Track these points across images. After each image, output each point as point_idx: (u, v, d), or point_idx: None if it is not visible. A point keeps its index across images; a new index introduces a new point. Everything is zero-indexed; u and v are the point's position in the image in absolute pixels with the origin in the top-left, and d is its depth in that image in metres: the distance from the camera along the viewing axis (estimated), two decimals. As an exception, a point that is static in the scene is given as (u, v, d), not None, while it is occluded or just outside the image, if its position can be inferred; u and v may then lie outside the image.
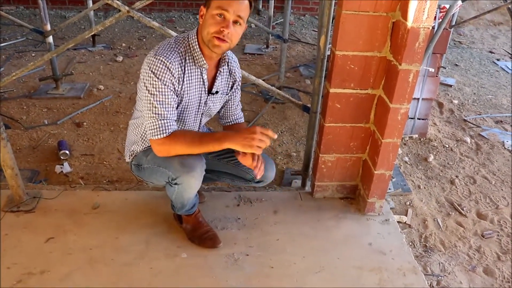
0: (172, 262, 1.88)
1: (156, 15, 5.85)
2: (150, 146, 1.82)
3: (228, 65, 1.85)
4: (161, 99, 1.62)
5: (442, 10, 2.83)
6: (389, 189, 2.59)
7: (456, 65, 4.88)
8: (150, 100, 1.62)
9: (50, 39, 3.28)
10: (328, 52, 2.04)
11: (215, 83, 1.82)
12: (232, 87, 1.93)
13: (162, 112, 1.62)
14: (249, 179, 1.98)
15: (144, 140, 1.84)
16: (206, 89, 1.80)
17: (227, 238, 2.01)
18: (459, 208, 2.56)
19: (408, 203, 2.56)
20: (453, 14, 2.97)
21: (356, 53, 1.92)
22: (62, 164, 2.67)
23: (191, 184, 1.70)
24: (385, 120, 1.94)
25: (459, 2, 2.81)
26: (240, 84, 1.97)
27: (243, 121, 2.07)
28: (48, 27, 3.23)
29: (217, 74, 1.81)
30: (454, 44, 5.57)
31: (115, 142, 2.97)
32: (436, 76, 3.08)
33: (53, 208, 2.12)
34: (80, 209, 2.12)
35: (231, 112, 2.01)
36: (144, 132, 1.81)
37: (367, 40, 1.89)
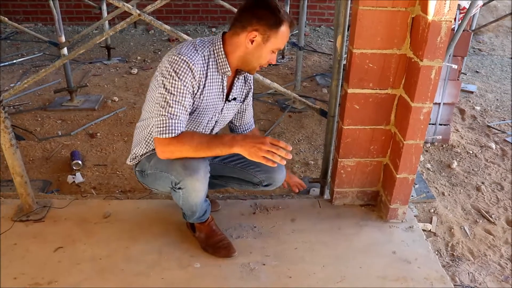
0: (185, 272, 1.79)
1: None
2: (153, 150, 1.76)
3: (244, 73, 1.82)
4: (178, 99, 1.55)
5: (462, 11, 2.74)
6: (412, 195, 2.47)
7: (477, 72, 4.74)
8: (166, 98, 1.55)
9: (65, 50, 3.28)
10: (345, 55, 1.97)
11: (232, 90, 1.78)
12: (247, 96, 1.89)
13: (175, 112, 1.55)
14: (256, 183, 1.91)
15: (147, 142, 1.77)
16: (224, 96, 1.75)
17: (242, 247, 1.91)
18: (487, 215, 2.42)
19: (432, 210, 2.43)
20: (473, 17, 2.87)
21: (374, 51, 1.83)
22: (75, 175, 2.62)
23: (195, 188, 1.62)
24: (407, 120, 1.85)
25: (480, 2, 2.71)
26: (252, 92, 1.95)
27: (254, 127, 2.05)
28: (63, 39, 3.23)
29: (235, 81, 1.77)
30: (474, 51, 5.45)
31: (129, 152, 2.91)
32: (458, 79, 2.96)
33: (63, 217, 2.06)
34: (91, 218, 2.06)
35: (246, 120, 1.99)
36: (149, 134, 1.75)
37: (386, 37, 1.80)
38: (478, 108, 3.81)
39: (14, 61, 4.37)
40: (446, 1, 1.60)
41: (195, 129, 1.75)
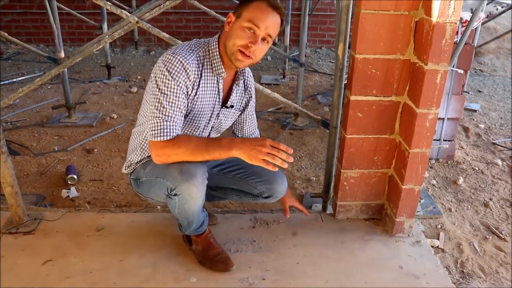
0: (180, 286, 1.69)
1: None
2: (148, 157, 1.69)
3: (244, 80, 1.75)
4: (171, 100, 1.49)
5: (464, 24, 2.71)
6: (418, 211, 2.38)
7: (479, 91, 4.71)
8: (159, 99, 1.48)
9: (64, 66, 3.26)
10: (346, 64, 1.92)
11: (231, 97, 1.71)
12: (247, 105, 1.82)
13: (170, 114, 1.49)
14: (256, 194, 1.82)
15: (142, 149, 1.70)
16: (221, 100, 1.68)
17: (241, 261, 1.82)
18: (497, 231, 2.32)
19: (439, 226, 2.34)
20: (475, 31, 2.85)
21: (377, 56, 1.79)
22: (69, 189, 2.55)
23: (192, 194, 1.53)
24: (412, 127, 1.78)
25: (482, 15, 2.70)
26: (254, 101, 1.87)
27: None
28: (62, 55, 3.22)
29: (233, 87, 1.70)
30: (475, 72, 5.44)
31: (126, 167, 2.85)
32: (462, 94, 2.91)
33: (54, 230, 1.97)
34: (83, 231, 1.97)
35: (247, 131, 1.90)
36: (144, 140, 1.68)
37: (389, 41, 1.76)
38: (482, 126, 3.75)
39: (14, 79, 4.36)
40: (450, 2, 1.56)
41: (191, 134, 1.68)
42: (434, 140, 3.01)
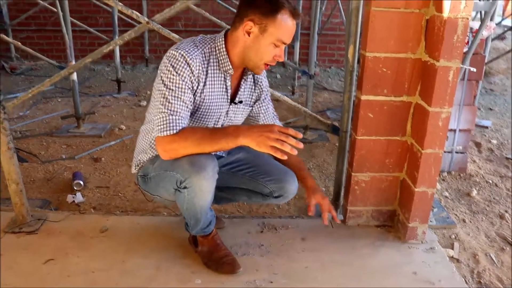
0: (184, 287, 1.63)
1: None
2: (157, 154, 1.66)
3: (254, 74, 1.73)
4: (177, 95, 1.47)
5: (474, 33, 2.69)
6: (430, 221, 2.30)
7: (491, 109, 4.66)
8: (165, 94, 1.47)
9: (74, 76, 3.29)
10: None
11: (239, 92, 1.68)
12: (257, 100, 1.78)
13: (175, 108, 1.47)
14: (267, 194, 1.77)
15: (152, 147, 1.67)
16: (229, 97, 1.66)
17: (248, 264, 1.76)
18: (514, 243, 2.23)
19: (453, 236, 2.25)
20: (486, 41, 2.82)
21: (387, 54, 1.76)
22: (75, 194, 2.52)
23: (202, 187, 1.49)
24: (425, 127, 1.74)
25: (492, 24, 2.68)
26: (269, 94, 1.83)
27: None
28: (73, 63, 3.24)
29: (241, 82, 1.68)
30: (486, 91, 5.40)
31: (133, 176, 2.81)
32: (473, 105, 2.87)
33: (57, 230, 1.93)
34: (87, 232, 1.93)
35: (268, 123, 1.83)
36: (153, 139, 1.65)
37: (399, 40, 1.74)
38: (494, 141, 3.68)
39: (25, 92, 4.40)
40: (462, -3, 1.55)
41: None
42: (445, 152, 2.96)
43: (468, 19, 1.59)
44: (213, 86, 1.58)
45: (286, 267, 1.76)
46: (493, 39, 4.35)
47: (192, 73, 1.49)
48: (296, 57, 4.48)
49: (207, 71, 1.55)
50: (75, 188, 2.58)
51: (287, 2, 1.48)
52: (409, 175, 1.91)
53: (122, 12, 4.05)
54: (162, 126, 1.46)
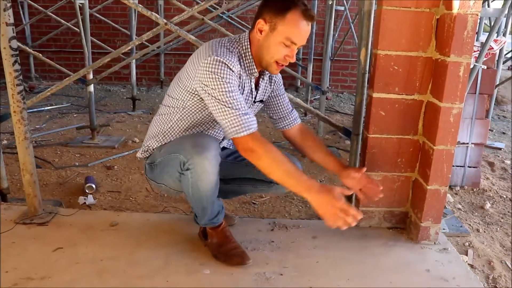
0: (192, 277, 1.61)
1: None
2: (166, 143, 1.69)
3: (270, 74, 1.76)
4: (235, 96, 1.46)
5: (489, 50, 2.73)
6: (443, 228, 2.26)
7: (503, 133, 4.64)
8: (221, 101, 1.45)
9: (91, 87, 3.38)
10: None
11: (258, 92, 1.73)
12: (272, 92, 1.80)
13: (240, 107, 1.45)
14: (270, 180, 1.74)
15: (165, 136, 1.69)
16: (254, 99, 1.70)
17: (258, 258, 1.74)
18: (530, 252, 2.17)
19: (467, 244, 2.21)
20: (498, 59, 2.86)
21: (399, 52, 1.80)
22: (87, 196, 2.53)
23: (204, 168, 1.49)
24: (436, 123, 1.75)
25: (504, 38, 2.72)
26: (282, 85, 1.84)
27: (299, 121, 1.87)
28: (91, 76, 3.33)
29: (260, 82, 1.72)
30: (499, 118, 5.40)
31: (144, 182, 2.84)
32: (485, 118, 2.87)
33: (67, 223, 1.94)
34: (97, 226, 1.94)
35: (286, 115, 1.84)
36: (169, 128, 1.67)
37: (410, 38, 1.78)
38: (508, 162, 3.64)
39: (43, 108, 4.51)
40: (471, -7, 1.59)
41: (212, 128, 1.68)
42: (458, 166, 2.94)
43: (477, 15, 1.63)
44: (243, 89, 1.62)
45: (297, 261, 1.74)
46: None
47: (237, 78, 1.52)
48: (309, 78, 4.53)
49: (240, 75, 1.58)
50: (87, 191, 2.60)
51: (301, 2, 1.49)
52: (421, 174, 1.90)
53: (139, 35, 4.18)
54: (237, 128, 1.44)
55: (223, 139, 1.80)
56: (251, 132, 1.45)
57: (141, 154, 1.77)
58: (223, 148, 1.81)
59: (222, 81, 1.45)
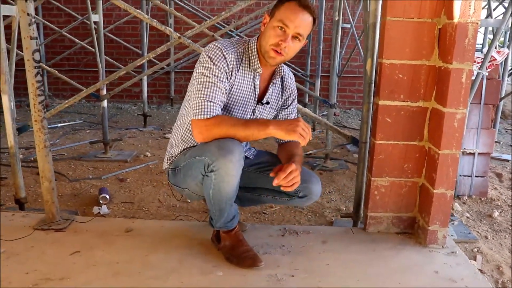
0: (205, 278, 1.65)
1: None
2: (190, 147, 1.76)
3: (283, 80, 1.85)
4: (213, 81, 1.61)
5: (491, 61, 2.79)
6: (452, 235, 2.29)
7: (511, 145, 4.66)
8: (202, 81, 1.61)
9: (105, 103, 3.48)
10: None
11: (267, 94, 1.81)
12: (284, 104, 1.89)
13: (211, 94, 1.60)
14: (292, 194, 1.82)
15: (184, 140, 1.78)
16: (257, 96, 1.78)
17: (270, 261, 1.77)
18: (539, 258, 2.19)
19: (475, 250, 2.23)
20: (504, 65, 2.91)
21: (403, 61, 1.87)
22: (101, 207, 2.60)
23: (228, 170, 1.56)
24: (441, 128, 1.80)
25: (506, 50, 2.78)
26: (296, 100, 1.93)
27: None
28: (104, 92, 3.44)
29: (270, 85, 1.80)
30: (506, 131, 5.43)
31: (157, 194, 2.91)
32: (491, 128, 2.91)
33: (84, 229, 2.00)
34: (112, 231, 1.99)
35: None
36: (186, 130, 1.76)
37: (414, 47, 1.85)
38: (516, 173, 3.67)
39: (56, 125, 4.63)
40: (471, 3, 1.67)
41: None
42: (465, 176, 2.97)
43: (477, 23, 1.70)
44: (242, 83, 1.71)
45: (307, 264, 1.78)
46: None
47: (227, 65, 1.64)
48: (317, 94, 4.62)
49: (239, 68, 1.68)
50: (101, 201, 2.67)
51: None
52: (427, 179, 1.94)
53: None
54: (197, 111, 1.59)
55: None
56: (208, 117, 1.58)
57: (166, 163, 1.85)
58: (245, 158, 1.86)
59: (211, 64, 1.61)
